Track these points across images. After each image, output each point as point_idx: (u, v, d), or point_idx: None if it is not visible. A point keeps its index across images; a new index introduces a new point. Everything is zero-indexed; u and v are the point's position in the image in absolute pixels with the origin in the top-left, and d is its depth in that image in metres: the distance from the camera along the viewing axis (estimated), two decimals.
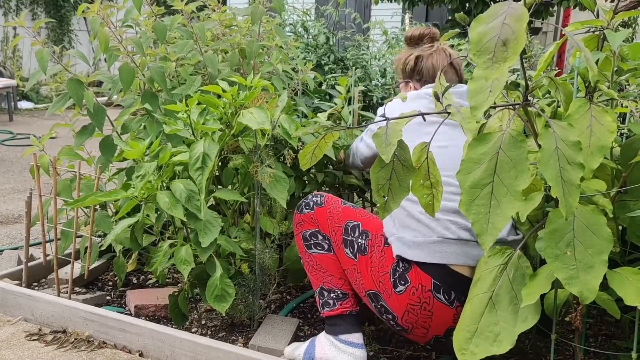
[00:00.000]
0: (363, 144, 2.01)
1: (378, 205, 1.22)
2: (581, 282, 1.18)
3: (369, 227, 1.73)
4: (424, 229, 1.60)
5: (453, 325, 1.61)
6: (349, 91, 2.59)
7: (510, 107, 1.25)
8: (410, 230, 1.62)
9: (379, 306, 1.68)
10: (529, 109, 1.20)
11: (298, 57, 2.55)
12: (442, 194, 1.24)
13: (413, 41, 1.95)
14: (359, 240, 1.71)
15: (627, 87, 1.64)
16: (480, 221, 1.10)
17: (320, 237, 1.78)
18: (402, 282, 1.61)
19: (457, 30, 1.80)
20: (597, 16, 1.51)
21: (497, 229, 1.08)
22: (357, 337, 1.72)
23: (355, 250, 1.71)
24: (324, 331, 1.78)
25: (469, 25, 1.41)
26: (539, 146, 1.14)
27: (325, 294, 1.76)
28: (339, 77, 2.60)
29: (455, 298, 1.59)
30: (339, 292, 1.74)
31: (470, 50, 1.00)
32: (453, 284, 1.58)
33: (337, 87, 2.62)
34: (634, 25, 6.51)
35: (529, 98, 1.18)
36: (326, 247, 1.77)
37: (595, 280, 1.18)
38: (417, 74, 1.90)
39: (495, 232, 1.08)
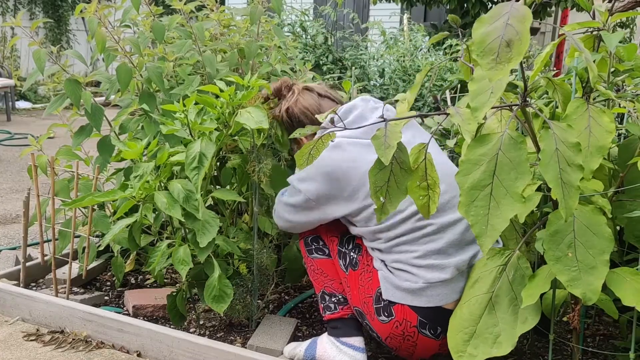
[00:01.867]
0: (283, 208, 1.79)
1: (375, 207, 1.22)
2: (584, 284, 1.18)
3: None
4: (409, 275, 1.57)
5: (439, 352, 1.61)
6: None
7: (509, 107, 1.25)
8: (394, 276, 1.60)
9: (364, 324, 1.69)
10: (527, 109, 1.20)
11: (296, 57, 2.55)
12: (438, 196, 1.23)
13: (277, 96, 1.94)
14: (352, 253, 1.71)
15: (624, 87, 1.65)
16: (479, 223, 1.09)
17: (321, 243, 1.79)
18: (386, 314, 1.60)
19: (447, 33, 1.79)
20: (594, 17, 1.51)
21: (496, 231, 1.08)
22: (358, 341, 1.72)
23: (347, 263, 1.72)
24: (326, 332, 1.78)
25: (461, 27, 1.41)
26: (537, 147, 1.14)
27: (327, 298, 1.76)
28: (343, 81, 2.60)
29: (441, 332, 1.56)
30: (340, 297, 1.75)
31: (474, 51, 0.99)
32: (440, 321, 1.56)
33: (338, 89, 2.62)
34: (631, 26, 6.52)
35: (527, 99, 1.18)
36: (327, 252, 1.78)
37: (598, 281, 1.18)
38: (298, 124, 1.84)
39: (495, 234, 1.08)
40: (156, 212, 1.96)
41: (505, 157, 1.09)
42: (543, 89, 1.49)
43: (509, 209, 1.07)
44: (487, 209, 1.09)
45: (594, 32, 1.50)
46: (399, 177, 1.19)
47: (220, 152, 1.98)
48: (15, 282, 2.20)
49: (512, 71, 2.13)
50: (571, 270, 1.19)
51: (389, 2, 7.13)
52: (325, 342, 1.75)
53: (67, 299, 2.06)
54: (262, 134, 1.90)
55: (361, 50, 3.59)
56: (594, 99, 1.47)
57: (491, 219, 1.08)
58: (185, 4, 2.16)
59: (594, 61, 1.46)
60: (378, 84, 3.40)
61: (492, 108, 1.24)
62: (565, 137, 1.10)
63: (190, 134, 1.85)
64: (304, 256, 1.84)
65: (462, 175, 1.12)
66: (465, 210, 1.10)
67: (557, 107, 1.53)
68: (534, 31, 8.00)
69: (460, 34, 1.41)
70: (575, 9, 5.76)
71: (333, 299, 1.75)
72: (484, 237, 1.09)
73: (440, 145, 2.13)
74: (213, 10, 2.32)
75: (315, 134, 1.76)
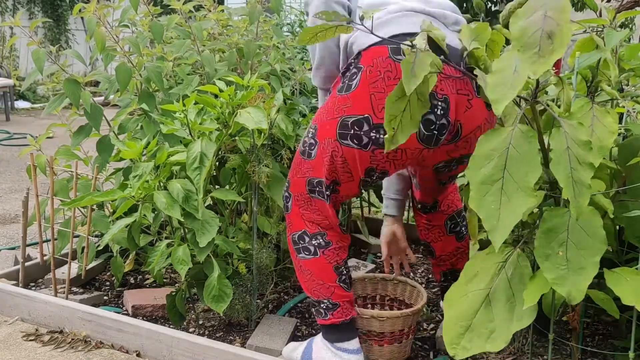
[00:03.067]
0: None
1: (386, 136, 1.19)
2: (570, 283, 1.17)
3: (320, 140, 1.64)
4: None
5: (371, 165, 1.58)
6: None
7: (516, 104, 1.25)
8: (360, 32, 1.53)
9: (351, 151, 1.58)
10: (536, 106, 1.19)
11: (295, 57, 2.55)
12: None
13: None
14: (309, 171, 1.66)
15: (623, 87, 1.65)
16: (491, 217, 1.08)
17: (306, 239, 1.69)
18: (354, 78, 1.54)
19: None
20: (600, 15, 1.51)
21: (508, 226, 1.06)
22: (353, 344, 1.68)
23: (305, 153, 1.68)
24: (320, 334, 1.75)
25: (484, 13, 1.40)
26: (542, 145, 1.13)
27: (316, 304, 1.70)
28: None
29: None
30: (327, 302, 1.68)
31: (514, 46, 0.98)
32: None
33: None
34: (630, 26, 6.51)
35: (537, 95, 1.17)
36: (312, 250, 1.69)
37: (585, 282, 1.17)
38: None
39: (507, 230, 1.07)
40: (155, 212, 1.96)
41: (516, 151, 1.08)
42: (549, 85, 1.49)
43: (521, 203, 1.06)
44: (498, 203, 1.07)
45: (596, 32, 1.50)
46: (415, 109, 1.16)
47: (220, 152, 1.98)
48: (15, 282, 2.20)
49: None
50: (559, 269, 1.19)
51: None
52: (320, 345, 1.72)
53: (66, 298, 2.06)
54: (262, 134, 1.90)
55: None
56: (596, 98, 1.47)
57: (503, 213, 1.07)
58: (183, 3, 2.16)
59: (599, 60, 1.46)
60: None
61: None
62: (576, 135, 1.09)
63: (190, 133, 1.85)
64: (292, 255, 1.75)
65: (473, 170, 1.10)
66: (476, 205, 1.09)
67: (559, 107, 1.52)
68: None
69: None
70: (574, 8, 5.76)
71: (322, 305, 1.69)
72: (495, 232, 1.08)
73: None
74: (211, 10, 2.32)
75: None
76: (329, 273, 1.68)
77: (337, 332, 1.69)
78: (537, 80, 1.16)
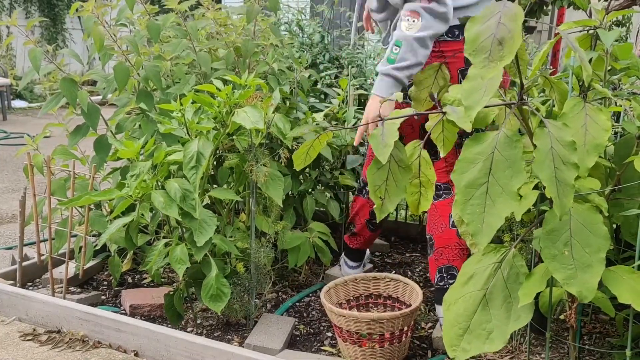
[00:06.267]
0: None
1: (375, 206, 1.23)
2: (579, 282, 1.18)
3: None
4: None
5: None
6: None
7: (507, 105, 1.26)
8: None
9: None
10: (524, 107, 1.20)
11: (293, 56, 2.54)
12: (431, 193, 1.25)
13: None
14: None
15: (620, 86, 1.65)
16: (475, 221, 1.10)
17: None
18: None
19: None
20: (590, 15, 1.52)
21: (492, 229, 1.08)
22: (355, 263, 2.39)
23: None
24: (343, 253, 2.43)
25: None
26: (535, 145, 1.14)
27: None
28: (339, 79, 2.61)
29: None
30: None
31: (466, 49, 1.00)
32: None
33: (335, 88, 2.63)
34: (627, 25, 6.53)
35: (524, 97, 1.18)
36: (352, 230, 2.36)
37: (594, 279, 1.18)
38: None
39: (491, 232, 1.08)
40: (153, 212, 1.96)
41: (501, 155, 1.09)
42: (540, 87, 1.50)
43: (505, 207, 1.08)
44: (483, 207, 1.09)
45: (591, 31, 1.50)
46: (398, 176, 1.20)
47: (217, 152, 1.98)
48: (12, 281, 2.19)
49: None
50: (567, 269, 1.20)
51: None
52: (343, 262, 2.41)
53: (64, 298, 2.05)
54: (259, 133, 1.90)
55: (358, 49, 3.59)
56: (590, 97, 1.47)
57: (487, 217, 1.09)
58: (179, 2, 2.16)
59: (590, 59, 1.46)
60: None
61: (490, 106, 1.24)
62: (560, 135, 1.10)
63: (188, 133, 1.84)
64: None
65: (458, 174, 1.12)
66: (461, 209, 1.11)
67: (553, 106, 1.53)
68: (530, 30, 8.02)
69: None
70: (571, 7, 5.77)
71: (351, 227, 2.35)
72: (479, 235, 1.09)
73: None
74: (209, 9, 2.32)
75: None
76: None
77: (348, 251, 2.40)
78: (522, 82, 1.16)
